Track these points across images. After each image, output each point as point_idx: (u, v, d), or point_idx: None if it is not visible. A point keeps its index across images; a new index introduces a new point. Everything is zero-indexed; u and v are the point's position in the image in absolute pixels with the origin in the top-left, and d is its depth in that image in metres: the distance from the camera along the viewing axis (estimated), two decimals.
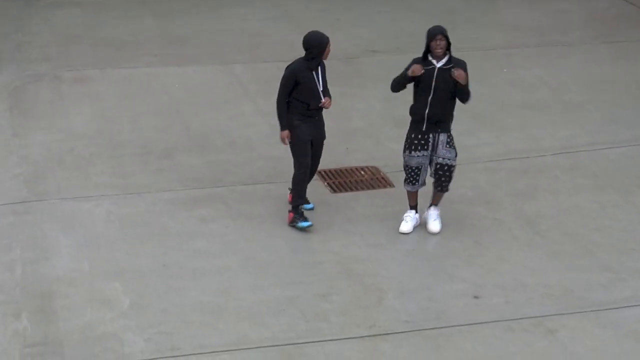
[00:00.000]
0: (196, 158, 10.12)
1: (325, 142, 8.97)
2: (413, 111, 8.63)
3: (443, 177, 8.69)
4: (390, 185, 9.70)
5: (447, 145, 8.59)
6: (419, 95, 8.57)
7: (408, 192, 8.91)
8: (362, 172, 9.92)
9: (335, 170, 9.89)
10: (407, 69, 8.57)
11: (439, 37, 8.39)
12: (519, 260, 8.50)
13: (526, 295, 8.02)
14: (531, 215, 9.18)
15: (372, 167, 10.01)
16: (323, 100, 8.62)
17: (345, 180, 9.76)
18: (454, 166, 8.65)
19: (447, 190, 8.78)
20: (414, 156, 8.65)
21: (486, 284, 8.18)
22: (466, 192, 9.58)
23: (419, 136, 8.60)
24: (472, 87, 11.31)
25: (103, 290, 7.97)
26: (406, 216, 8.91)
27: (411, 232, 8.84)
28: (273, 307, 7.83)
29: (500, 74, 10.65)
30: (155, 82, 11.90)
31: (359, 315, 7.75)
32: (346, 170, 9.93)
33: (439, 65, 8.43)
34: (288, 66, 8.70)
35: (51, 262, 8.33)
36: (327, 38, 8.61)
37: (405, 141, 8.69)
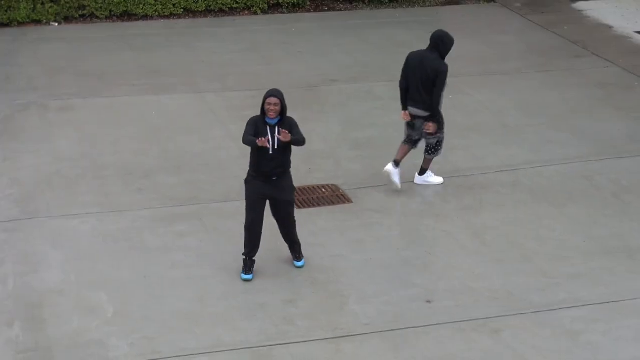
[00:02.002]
0: (173, 178, 10.07)
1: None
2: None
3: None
4: (349, 201, 9.68)
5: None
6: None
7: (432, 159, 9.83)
8: (323, 190, 9.90)
9: (299, 188, 9.78)
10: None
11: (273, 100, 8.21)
12: (467, 267, 8.52)
13: (474, 299, 8.05)
14: (477, 227, 9.22)
15: (332, 185, 10.01)
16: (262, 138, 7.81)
17: (308, 197, 9.74)
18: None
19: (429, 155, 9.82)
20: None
21: (437, 289, 8.19)
22: (418, 207, 9.63)
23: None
24: None
25: (89, 299, 7.92)
26: (437, 178, 9.86)
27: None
28: (245, 312, 7.79)
29: (446, 100, 10.58)
30: (134, 109, 11.81)
31: (323, 319, 7.75)
32: (309, 188, 9.91)
33: None
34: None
35: (41, 274, 8.26)
36: (268, 94, 7.90)
37: (442, 121, 9.52)
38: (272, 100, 7.92)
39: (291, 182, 8.23)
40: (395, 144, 11.17)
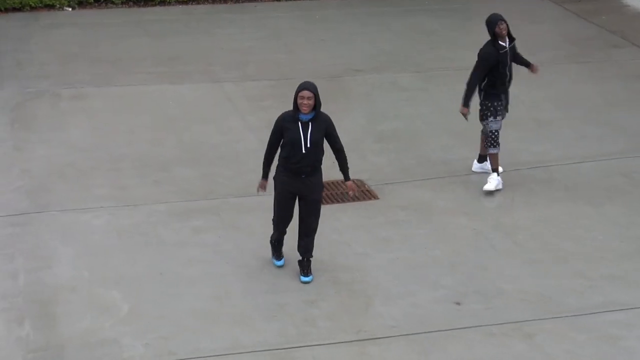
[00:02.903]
0: (190, 170, 10.06)
1: None
2: (494, 86, 9.45)
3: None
4: (375, 197, 9.66)
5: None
6: (496, 77, 9.42)
7: (494, 155, 9.57)
8: None
9: (325, 183, 9.78)
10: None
11: (501, 23, 9.28)
12: (497, 268, 8.48)
13: (505, 301, 8.01)
14: (509, 226, 9.18)
15: (357, 180, 9.92)
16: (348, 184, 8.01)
17: (332, 193, 9.71)
18: None
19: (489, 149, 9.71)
20: (498, 121, 9.51)
21: (467, 290, 8.15)
22: (447, 204, 9.57)
23: (502, 104, 9.52)
24: (450, 106, 11.34)
25: (102, 297, 7.91)
26: (490, 178, 9.64)
27: (494, 190, 9.55)
28: (264, 312, 7.77)
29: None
30: (149, 98, 11.81)
31: (346, 321, 7.70)
32: (333, 183, 9.85)
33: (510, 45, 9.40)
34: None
35: (52, 270, 8.26)
36: (301, 87, 7.77)
37: (488, 110, 9.50)
38: (306, 93, 7.77)
39: (321, 179, 8.14)
40: (422, 136, 11.12)
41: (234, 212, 9.26)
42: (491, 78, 9.48)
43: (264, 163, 8.10)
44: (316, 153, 7.94)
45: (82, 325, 7.57)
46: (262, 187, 8.11)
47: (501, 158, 10.37)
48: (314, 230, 8.21)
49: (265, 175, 8.10)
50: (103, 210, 9.24)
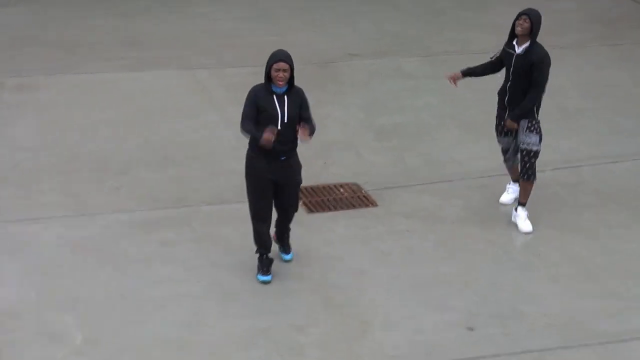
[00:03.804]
0: (157, 174, 10.07)
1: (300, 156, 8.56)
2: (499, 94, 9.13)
3: (527, 162, 9.06)
4: (373, 204, 9.64)
5: (528, 131, 8.98)
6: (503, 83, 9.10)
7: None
8: (342, 190, 9.88)
9: (312, 188, 9.81)
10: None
11: (523, 17, 8.76)
12: (516, 287, 8.44)
13: (526, 326, 7.94)
14: (530, 236, 9.17)
15: (352, 183, 9.97)
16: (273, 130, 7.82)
17: (323, 199, 9.71)
18: (534, 151, 9.03)
19: (529, 178, 9.08)
20: (500, 140, 9.28)
21: (481, 313, 8.10)
22: (457, 211, 9.54)
23: (499, 121, 9.21)
24: (462, 94, 11.31)
25: (53, 323, 7.81)
26: (508, 187, 9.55)
27: (510, 203, 9.44)
28: (243, 340, 7.71)
29: (492, 79, 10.53)
30: (111, 89, 11.84)
31: (340, 350, 7.63)
32: (323, 187, 9.89)
33: (518, 51, 8.86)
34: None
35: None
36: (275, 57, 7.92)
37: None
38: (281, 65, 7.93)
39: (298, 160, 8.31)
40: (430, 132, 11.09)
41: (209, 222, 9.25)
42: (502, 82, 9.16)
43: (246, 129, 7.99)
44: (292, 129, 8.06)
45: (28, 358, 7.43)
46: (271, 133, 7.79)
47: None
48: (293, 213, 8.47)
49: (258, 131, 7.86)
50: (54, 221, 9.17)
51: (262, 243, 8.36)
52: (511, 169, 9.51)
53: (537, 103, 8.99)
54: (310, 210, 9.48)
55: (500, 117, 9.19)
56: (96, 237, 8.96)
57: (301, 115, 8.10)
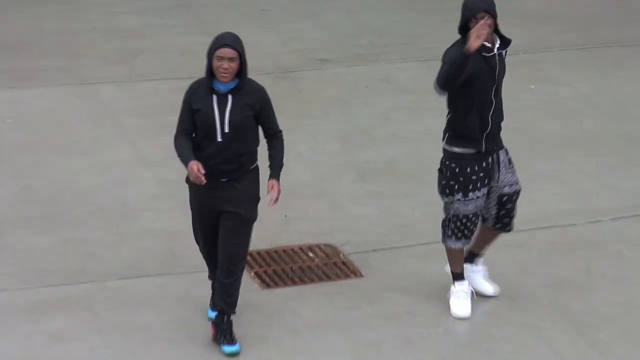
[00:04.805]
0: (42, 236, 10.00)
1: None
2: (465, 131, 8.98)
3: (513, 208, 9.14)
4: (356, 274, 9.61)
5: (510, 166, 9.06)
6: (469, 104, 8.92)
7: (455, 251, 9.13)
8: (311, 254, 9.86)
9: (268, 253, 9.73)
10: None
11: (481, 14, 8.78)
12: None
13: None
14: (582, 317, 9.09)
15: (326, 245, 9.95)
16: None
17: (284, 268, 9.67)
18: (519, 191, 9.18)
19: (512, 228, 9.22)
20: (472, 198, 8.96)
21: None
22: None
23: (477, 166, 8.94)
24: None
25: None
26: (459, 291, 9.13)
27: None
28: None
29: (526, 92, 10.63)
30: None
31: None
32: (285, 251, 9.87)
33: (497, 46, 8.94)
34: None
35: None
36: (218, 41, 8.19)
37: (451, 182, 8.91)
38: (226, 52, 8.12)
39: (255, 186, 8.46)
40: (432, 170, 10.86)
41: (119, 303, 9.17)
42: (461, 104, 9.06)
43: (176, 149, 8.26)
44: (240, 142, 8.23)
45: None
46: (195, 171, 8.06)
47: (566, 200, 10.70)
48: (238, 267, 8.45)
49: (188, 158, 8.14)
50: None
51: (214, 273, 8.67)
52: (483, 234, 9.30)
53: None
54: (265, 284, 9.39)
55: (478, 160, 8.93)
56: None
57: (261, 125, 8.31)
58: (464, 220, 9.01)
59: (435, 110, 12.00)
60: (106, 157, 11.08)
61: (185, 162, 8.10)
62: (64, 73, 12.56)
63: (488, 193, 9.02)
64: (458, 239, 9.07)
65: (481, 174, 8.90)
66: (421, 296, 9.25)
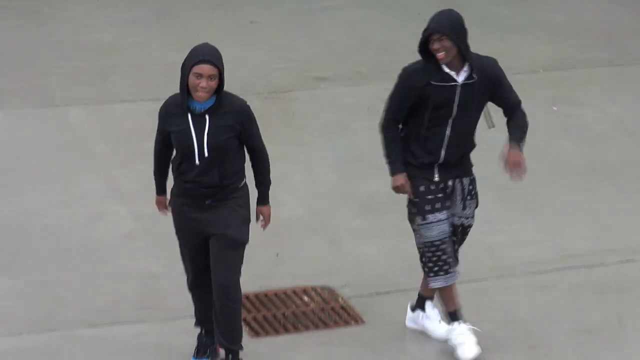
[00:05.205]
0: (2, 278, 9.98)
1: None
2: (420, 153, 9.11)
3: (462, 242, 9.31)
4: (357, 320, 9.62)
5: (469, 197, 9.14)
6: (416, 133, 9.06)
7: (442, 290, 9.18)
8: (306, 298, 9.91)
9: (257, 296, 9.77)
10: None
11: (436, 36, 8.82)
12: None
13: None
14: None
15: (322, 288, 9.99)
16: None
17: (276, 314, 9.71)
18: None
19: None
20: (432, 222, 9.01)
21: None
22: (494, 328, 9.51)
23: (433, 185, 9.04)
24: (495, 143, 11.23)
25: None
26: (459, 332, 9.12)
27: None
28: None
29: (548, 114, 10.65)
30: None
31: None
32: (276, 295, 9.90)
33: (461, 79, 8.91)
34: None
35: None
36: (195, 55, 8.26)
37: (409, 205, 9.06)
38: (204, 69, 8.18)
39: (245, 207, 8.54)
40: None
41: (90, 355, 9.14)
42: (410, 129, 9.22)
43: (154, 174, 8.64)
44: (223, 164, 8.35)
45: None
46: (161, 205, 8.67)
47: (598, 239, 10.70)
48: (234, 299, 8.55)
49: (160, 189, 8.66)
50: None
51: (201, 316, 8.75)
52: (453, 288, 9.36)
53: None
54: (254, 332, 9.39)
55: (427, 177, 9.04)
56: None
57: (243, 143, 8.42)
58: (432, 249, 9.06)
59: None
60: (75, 189, 11.12)
61: (157, 188, 8.62)
62: (26, 94, 12.74)
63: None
64: (436, 274, 9.08)
65: (439, 195, 8.98)
66: (430, 345, 9.28)
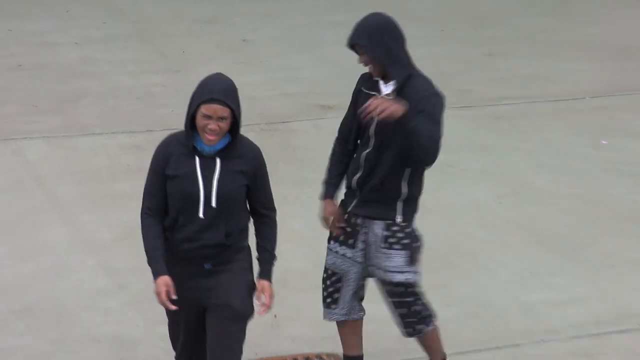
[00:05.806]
0: None
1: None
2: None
3: (403, 305, 9.33)
4: None
5: (384, 247, 9.15)
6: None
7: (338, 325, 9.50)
8: None
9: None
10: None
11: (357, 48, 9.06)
12: None
13: None
14: None
15: (328, 355, 10.17)
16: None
17: None
18: (406, 283, 9.23)
19: (418, 332, 9.40)
20: (330, 248, 9.50)
21: None
22: None
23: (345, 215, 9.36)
24: (540, 177, 11.34)
25: None
26: None
27: None
28: None
29: (595, 148, 10.64)
30: None
31: None
32: None
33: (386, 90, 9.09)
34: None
35: None
36: (204, 90, 8.26)
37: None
38: (215, 109, 8.14)
39: (249, 271, 8.53)
40: (481, 255, 11.03)
41: None
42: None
43: (145, 243, 8.31)
44: (229, 219, 8.32)
45: None
46: (162, 296, 8.22)
47: (629, 294, 10.78)
48: None
49: (157, 267, 8.28)
50: None
51: None
52: (352, 330, 9.61)
53: (419, 186, 9.20)
54: None
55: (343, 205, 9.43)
56: None
57: (250, 198, 8.42)
58: (324, 275, 9.48)
59: (478, 174, 12.25)
60: (35, 239, 11.31)
61: (153, 271, 8.18)
62: None
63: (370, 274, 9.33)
64: (323, 301, 9.52)
65: (347, 228, 9.30)
66: None
